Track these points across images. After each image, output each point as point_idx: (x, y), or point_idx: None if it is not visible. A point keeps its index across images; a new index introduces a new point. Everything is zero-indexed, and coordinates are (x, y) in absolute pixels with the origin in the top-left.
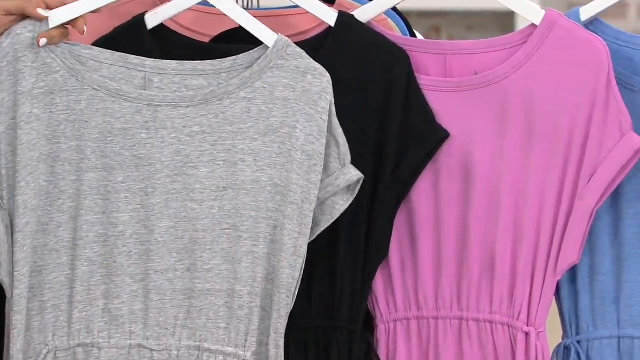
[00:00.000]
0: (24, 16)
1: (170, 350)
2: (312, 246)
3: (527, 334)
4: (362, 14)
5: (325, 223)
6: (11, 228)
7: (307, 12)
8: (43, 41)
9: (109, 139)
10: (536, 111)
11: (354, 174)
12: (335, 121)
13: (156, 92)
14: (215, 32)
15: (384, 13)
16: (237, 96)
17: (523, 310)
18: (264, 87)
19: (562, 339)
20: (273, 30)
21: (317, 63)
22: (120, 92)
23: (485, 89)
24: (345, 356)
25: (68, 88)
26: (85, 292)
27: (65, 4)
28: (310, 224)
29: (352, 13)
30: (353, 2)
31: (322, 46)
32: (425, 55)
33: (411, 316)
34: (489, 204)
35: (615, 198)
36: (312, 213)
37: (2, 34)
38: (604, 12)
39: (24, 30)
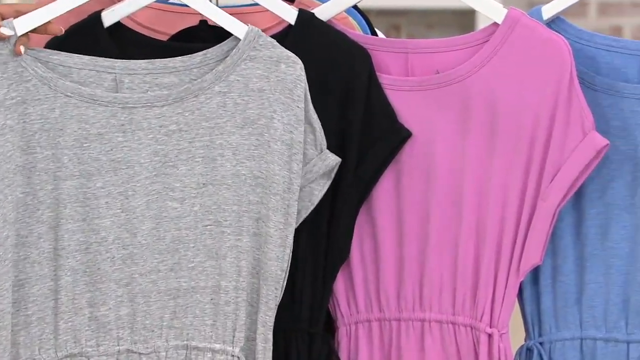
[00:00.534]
0: None
1: (159, 352)
2: None
3: (489, 336)
4: (323, 12)
5: (306, 210)
6: None
7: (267, 10)
8: (23, 49)
9: (85, 145)
10: (498, 110)
11: (332, 159)
12: (311, 108)
13: (129, 93)
14: (174, 30)
15: (345, 11)
16: (212, 91)
17: (486, 311)
18: (238, 80)
19: (525, 341)
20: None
21: (289, 51)
22: (94, 97)
23: (447, 88)
24: (305, 359)
25: (40, 97)
26: (70, 302)
27: (22, 13)
28: (295, 214)
29: (312, 11)
30: (314, 0)
31: (282, 45)
32: (386, 54)
33: (373, 318)
34: (451, 204)
35: (578, 198)
36: (297, 202)
37: None
38: (565, 11)
39: None
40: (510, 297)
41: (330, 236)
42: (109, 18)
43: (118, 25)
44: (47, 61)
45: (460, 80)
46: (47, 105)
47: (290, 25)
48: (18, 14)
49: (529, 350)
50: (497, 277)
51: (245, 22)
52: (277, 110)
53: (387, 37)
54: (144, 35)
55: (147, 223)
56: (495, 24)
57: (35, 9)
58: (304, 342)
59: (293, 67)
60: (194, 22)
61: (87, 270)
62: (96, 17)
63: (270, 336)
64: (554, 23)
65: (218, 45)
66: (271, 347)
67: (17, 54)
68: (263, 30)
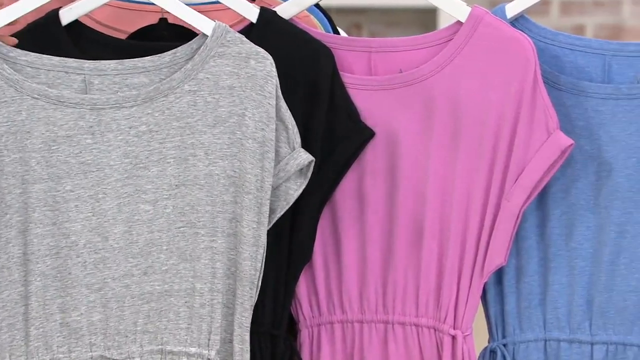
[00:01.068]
0: None
1: (133, 357)
2: None
3: (453, 337)
4: (285, 11)
5: (281, 210)
6: None
7: (228, 9)
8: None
9: (53, 147)
10: (462, 110)
11: (305, 157)
12: (283, 105)
13: (98, 94)
14: (133, 29)
15: (307, 9)
16: (181, 90)
17: (449, 313)
18: (208, 78)
19: (488, 342)
20: (191, 28)
21: (258, 47)
22: (61, 98)
23: (410, 87)
24: None
25: (7, 99)
26: (40, 308)
27: None
28: (268, 213)
29: (274, 9)
30: None
31: None
32: (349, 52)
33: (335, 320)
34: (415, 205)
35: (542, 199)
36: (269, 201)
37: None
38: (528, 9)
39: None
40: (474, 299)
41: (293, 237)
42: (66, 16)
43: (76, 23)
44: (15, 62)
45: (424, 80)
46: (14, 108)
47: (251, 23)
48: None
49: (493, 352)
50: (460, 279)
51: None
52: (248, 108)
53: (348, 35)
54: (102, 33)
55: (119, 226)
56: (459, 23)
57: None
58: (266, 345)
59: (263, 63)
60: (153, 20)
61: (58, 275)
62: (54, 15)
63: (247, 337)
64: (518, 22)
65: (187, 43)
66: (249, 349)
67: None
68: None
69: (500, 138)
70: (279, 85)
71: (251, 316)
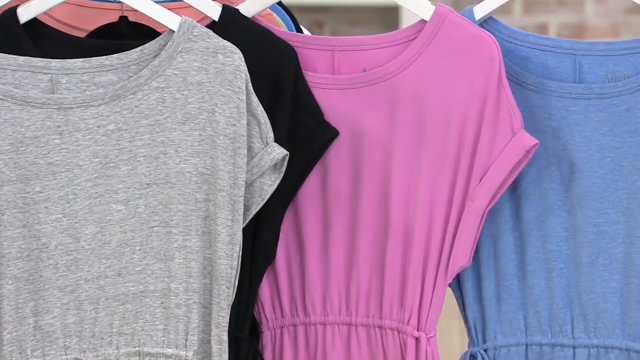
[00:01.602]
0: None
1: None
2: None
3: (417, 339)
4: (247, 9)
5: (256, 206)
6: None
7: (190, 6)
8: None
9: (21, 149)
10: (426, 109)
11: (279, 152)
12: (254, 99)
13: (65, 93)
14: (93, 27)
15: (270, 8)
16: (149, 87)
17: (413, 314)
18: (176, 74)
19: (468, 347)
20: (152, 26)
21: (226, 41)
22: (27, 98)
23: (374, 87)
24: None
25: None
26: (13, 311)
27: None
28: (242, 210)
29: (236, 7)
30: None
31: None
32: (312, 51)
33: (298, 322)
34: (379, 205)
35: (517, 202)
36: (242, 198)
37: None
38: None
39: None
40: (438, 300)
41: (256, 238)
42: (25, 14)
43: (34, 21)
44: None
45: (388, 79)
46: None
47: (213, 21)
48: None
49: (473, 356)
50: (424, 280)
51: None
52: (218, 104)
53: (311, 34)
54: (62, 32)
55: (91, 227)
56: (423, 21)
57: None
58: (229, 347)
59: (231, 57)
60: (113, 18)
61: (30, 278)
62: (11, 13)
63: (225, 337)
64: (487, 23)
65: (155, 40)
66: (227, 349)
67: None
68: None
69: (465, 138)
70: (249, 80)
71: (229, 316)
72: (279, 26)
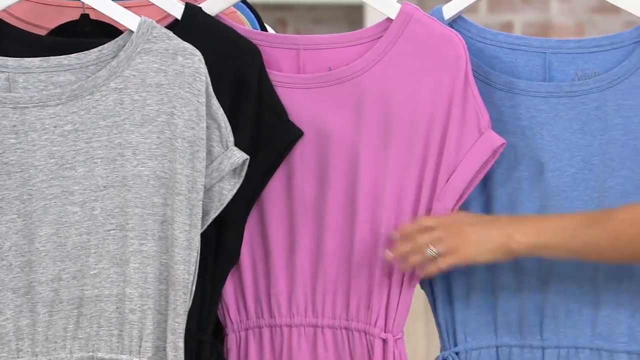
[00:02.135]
0: None
1: None
2: None
3: (384, 341)
4: (211, 7)
5: (215, 211)
6: None
7: (152, 4)
8: None
9: None
10: (393, 109)
11: (239, 156)
12: (215, 102)
13: (22, 92)
14: (53, 24)
15: (234, 5)
16: (107, 88)
17: (380, 316)
18: (135, 75)
19: (440, 351)
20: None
21: (185, 42)
22: None
23: (340, 86)
24: None
25: None
26: None
27: None
28: (201, 214)
29: (199, 5)
30: None
31: None
32: (277, 50)
33: (263, 324)
34: (345, 205)
35: (486, 202)
36: (201, 202)
37: None
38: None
39: None
40: (406, 301)
41: (220, 240)
42: None
43: None
44: None
45: (354, 78)
46: None
47: (176, 20)
48: None
49: None
50: (391, 281)
51: None
52: (177, 106)
53: (274, 32)
54: (22, 29)
55: (46, 229)
56: (389, 20)
57: None
58: (192, 349)
59: (191, 59)
60: (74, 15)
61: None
62: None
63: (181, 344)
64: (456, 22)
65: (114, 40)
66: (182, 356)
67: None
68: None
69: (432, 137)
70: (209, 83)
71: (185, 322)
72: (243, 24)
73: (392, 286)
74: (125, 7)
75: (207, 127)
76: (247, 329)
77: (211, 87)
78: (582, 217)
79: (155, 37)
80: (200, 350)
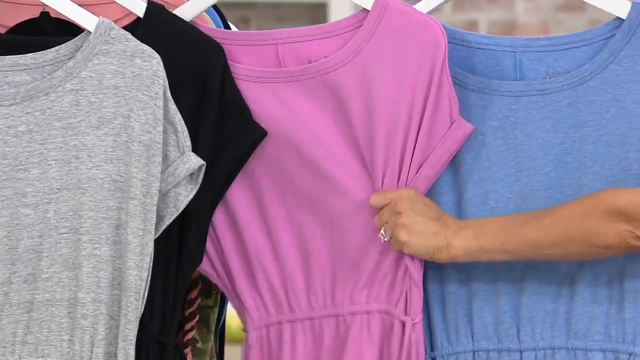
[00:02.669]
0: None
1: None
2: None
3: (403, 324)
4: (184, 12)
5: (170, 216)
6: None
7: (113, 2)
8: None
9: None
10: (374, 100)
11: (195, 162)
12: (172, 106)
13: None
14: (12, 22)
15: None
16: (63, 89)
17: (401, 298)
18: (91, 76)
19: None
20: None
21: (144, 45)
22: None
23: (320, 78)
24: None
25: None
26: None
27: None
28: (155, 220)
29: (161, 4)
30: None
31: None
32: (255, 47)
33: (283, 319)
34: (337, 198)
35: (460, 205)
36: (155, 207)
37: None
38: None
39: None
40: (419, 284)
41: (182, 243)
42: None
43: None
44: None
45: (334, 70)
46: None
47: (138, 18)
48: None
49: None
50: (401, 262)
51: None
52: (133, 109)
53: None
54: None
55: None
56: (365, 10)
57: None
58: (154, 353)
59: (149, 62)
60: (34, 13)
61: None
62: None
63: (132, 351)
64: None
65: (71, 40)
66: None
67: None
68: None
69: (411, 126)
70: (167, 86)
71: (137, 329)
72: (207, 23)
73: (399, 270)
74: (86, 5)
75: (163, 131)
76: (269, 326)
77: (169, 91)
78: (521, 217)
79: (113, 38)
80: (163, 353)
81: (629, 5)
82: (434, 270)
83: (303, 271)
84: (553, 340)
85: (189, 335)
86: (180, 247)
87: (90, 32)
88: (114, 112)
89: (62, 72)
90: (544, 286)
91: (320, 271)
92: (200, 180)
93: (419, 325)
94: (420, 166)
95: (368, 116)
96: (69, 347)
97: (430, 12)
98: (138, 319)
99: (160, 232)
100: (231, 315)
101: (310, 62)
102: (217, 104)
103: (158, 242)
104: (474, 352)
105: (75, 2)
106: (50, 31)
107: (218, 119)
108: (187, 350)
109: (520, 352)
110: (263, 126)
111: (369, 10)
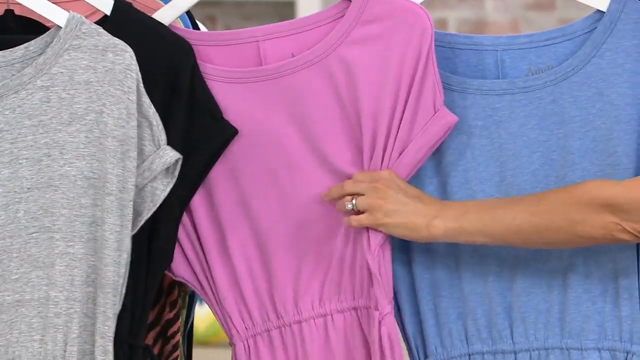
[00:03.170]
0: None
1: None
2: None
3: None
4: (162, 16)
5: (148, 211)
6: None
7: (80, 0)
8: None
9: None
10: (360, 89)
11: (171, 155)
12: (146, 100)
13: None
14: None
15: (162, 1)
16: (33, 86)
17: (365, 292)
18: (62, 72)
19: None
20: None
21: (116, 39)
22: None
23: (305, 71)
24: None
25: None
26: None
27: None
28: (131, 215)
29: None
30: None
31: None
32: (235, 46)
33: (271, 327)
34: (317, 192)
35: None
36: (132, 203)
37: None
38: None
39: None
40: (386, 273)
41: (152, 243)
42: None
43: None
44: None
45: (319, 61)
46: None
47: (105, 16)
48: None
49: None
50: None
51: None
52: (106, 104)
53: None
54: None
55: None
56: (346, 0)
57: None
58: (124, 355)
59: (122, 56)
60: None
61: None
62: None
63: (111, 348)
64: None
65: (40, 36)
66: None
67: None
68: None
69: (395, 115)
70: (140, 80)
71: (115, 325)
72: (176, 23)
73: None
74: (52, 2)
75: (138, 125)
76: (255, 335)
77: (142, 85)
78: (505, 201)
79: (84, 33)
80: (132, 355)
81: None
82: (425, 274)
83: (291, 277)
84: (547, 340)
85: (175, 340)
86: (150, 247)
87: (61, 28)
88: (85, 108)
89: (31, 68)
90: (535, 285)
91: (307, 276)
92: (176, 173)
93: (388, 318)
94: (401, 153)
95: (355, 107)
96: (40, 347)
97: None
98: (116, 316)
99: (138, 227)
100: (199, 318)
101: (294, 56)
102: (187, 103)
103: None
104: (469, 355)
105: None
106: (15, 29)
107: (188, 117)
108: (177, 354)
109: (515, 353)
110: (237, 126)
111: (350, 1)
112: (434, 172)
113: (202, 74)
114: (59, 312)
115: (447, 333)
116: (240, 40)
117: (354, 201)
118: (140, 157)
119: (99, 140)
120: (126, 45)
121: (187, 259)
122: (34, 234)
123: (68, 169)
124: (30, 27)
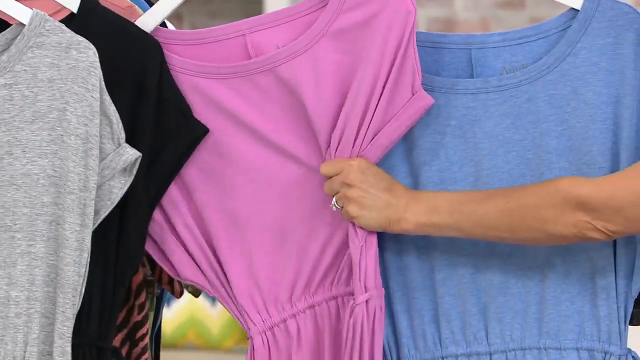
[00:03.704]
0: None
1: None
2: None
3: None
4: (145, 22)
5: (105, 210)
6: None
7: None
8: None
9: None
10: (343, 76)
11: (131, 154)
12: (107, 98)
13: None
14: None
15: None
16: None
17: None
18: (26, 70)
19: None
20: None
21: (79, 36)
22: None
23: (292, 62)
24: None
25: None
26: None
27: None
28: (93, 214)
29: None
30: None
31: None
32: (223, 42)
33: (287, 316)
34: (304, 184)
35: None
36: (93, 202)
37: None
38: None
39: None
40: (370, 258)
41: (121, 242)
42: None
43: None
44: None
45: (305, 52)
46: None
47: (72, 13)
48: None
49: None
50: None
51: None
52: (69, 102)
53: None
54: None
55: None
56: None
57: None
58: (92, 357)
59: (85, 53)
60: None
61: None
62: None
63: (69, 348)
64: None
65: (1, 33)
66: None
67: None
68: None
69: (373, 95)
70: (102, 77)
71: (73, 326)
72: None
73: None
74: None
75: (99, 123)
76: (272, 327)
77: (103, 82)
78: (476, 195)
79: (48, 30)
80: (100, 358)
81: None
82: (399, 275)
83: (298, 264)
84: (524, 340)
85: (144, 342)
86: (118, 248)
87: (23, 25)
88: (49, 106)
89: None
90: (511, 286)
91: (317, 262)
92: (134, 171)
93: (359, 308)
94: (376, 134)
95: (342, 91)
96: (0, 348)
97: None
98: (75, 316)
99: (95, 225)
100: (166, 321)
101: (278, 47)
102: (154, 101)
103: (96, 243)
104: (443, 357)
105: None
106: None
107: (157, 116)
108: (146, 357)
109: (490, 355)
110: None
111: None
112: (408, 172)
113: (189, 72)
114: (20, 312)
115: (421, 334)
116: (227, 35)
117: (335, 203)
118: (100, 156)
119: (61, 138)
120: (89, 42)
121: (194, 259)
122: None
123: (30, 167)
124: None
